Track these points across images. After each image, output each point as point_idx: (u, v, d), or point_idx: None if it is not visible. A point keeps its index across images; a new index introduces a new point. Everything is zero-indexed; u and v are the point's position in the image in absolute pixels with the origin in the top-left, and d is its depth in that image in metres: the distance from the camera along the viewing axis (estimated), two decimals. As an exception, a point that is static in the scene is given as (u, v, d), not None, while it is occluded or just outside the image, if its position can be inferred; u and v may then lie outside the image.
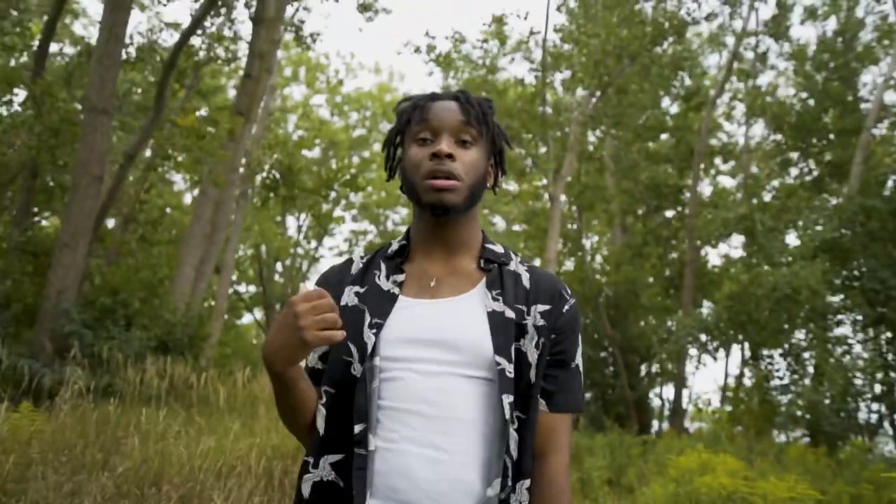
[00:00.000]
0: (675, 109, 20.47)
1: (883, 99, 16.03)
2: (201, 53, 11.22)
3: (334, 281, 1.30)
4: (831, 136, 18.13)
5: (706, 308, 18.74)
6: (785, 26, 18.51)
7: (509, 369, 1.16)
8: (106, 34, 8.38)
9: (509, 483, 1.14)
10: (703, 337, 13.46)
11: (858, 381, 10.81)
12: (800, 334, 12.48)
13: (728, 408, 15.10)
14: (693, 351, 15.78)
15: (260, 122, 12.62)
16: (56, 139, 8.88)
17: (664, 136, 20.40)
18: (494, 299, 1.22)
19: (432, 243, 1.29)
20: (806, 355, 12.09)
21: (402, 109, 1.34)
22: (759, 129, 20.49)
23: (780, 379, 12.16)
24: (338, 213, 29.65)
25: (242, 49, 15.98)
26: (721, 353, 15.71)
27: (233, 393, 7.26)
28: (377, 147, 32.37)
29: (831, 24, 19.07)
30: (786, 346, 12.46)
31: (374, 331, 1.18)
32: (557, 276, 1.30)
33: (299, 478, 1.22)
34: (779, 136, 19.11)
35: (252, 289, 30.87)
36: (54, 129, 8.73)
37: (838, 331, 12.22)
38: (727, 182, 23.38)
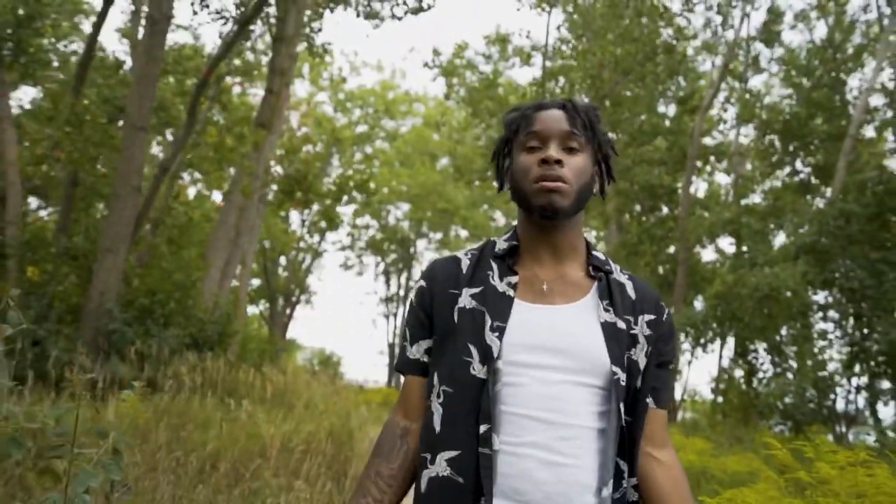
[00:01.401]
0: (671, 111, 21.11)
1: (868, 104, 16.67)
2: (223, 66, 11.97)
3: (442, 276, 1.33)
4: (819, 140, 18.81)
5: (698, 304, 19.55)
6: (776, 32, 19.19)
7: (623, 378, 1.22)
8: (144, 56, 9.11)
9: (624, 484, 1.23)
10: (692, 332, 14.21)
11: (835, 374, 11.60)
12: (783, 330, 13.21)
13: (720, 399, 15.90)
14: (686, 345, 16.57)
15: (276, 130, 13.39)
16: (96, 150, 9.64)
17: (658, 139, 21.01)
18: (605, 310, 1.27)
19: (541, 248, 1.31)
20: (788, 350, 12.84)
21: (510, 120, 1.36)
22: (751, 129, 21.11)
23: (765, 372, 12.93)
24: (339, 209, 30.28)
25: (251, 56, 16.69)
26: (714, 346, 16.44)
27: (265, 385, 8.04)
28: (379, 143, 33.15)
29: (820, 32, 19.73)
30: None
31: (496, 334, 1.21)
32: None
33: (417, 473, 1.25)
34: (768, 139, 19.82)
35: (256, 282, 31.63)
36: (95, 143, 9.49)
37: (819, 326, 12.98)
38: (722, 179, 24.07)
